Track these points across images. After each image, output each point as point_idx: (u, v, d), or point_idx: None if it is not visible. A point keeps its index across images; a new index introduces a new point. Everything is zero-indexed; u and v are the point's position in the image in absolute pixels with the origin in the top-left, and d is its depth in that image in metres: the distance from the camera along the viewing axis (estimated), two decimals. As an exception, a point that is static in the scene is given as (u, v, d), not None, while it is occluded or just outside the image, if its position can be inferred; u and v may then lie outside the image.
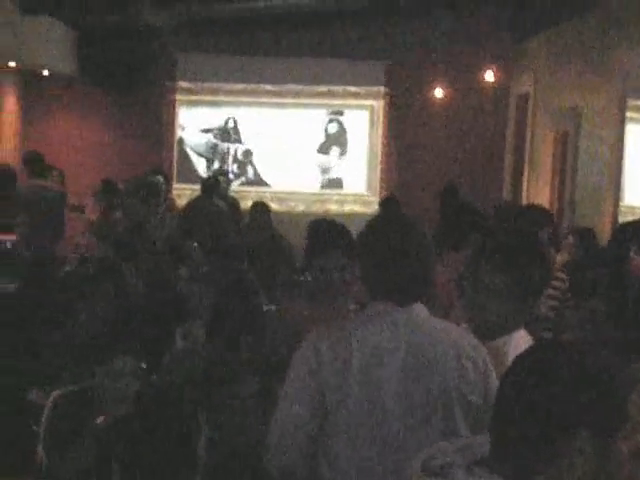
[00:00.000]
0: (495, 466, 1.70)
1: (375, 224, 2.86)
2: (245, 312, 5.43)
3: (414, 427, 2.61)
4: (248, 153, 13.19)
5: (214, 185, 9.91)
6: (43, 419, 3.83)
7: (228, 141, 13.18)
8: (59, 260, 7.88)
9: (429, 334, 2.67)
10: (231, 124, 13.15)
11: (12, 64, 11.41)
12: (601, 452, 1.66)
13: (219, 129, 13.15)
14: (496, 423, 1.74)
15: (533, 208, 6.02)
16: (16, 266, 7.02)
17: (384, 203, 10.08)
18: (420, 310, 2.73)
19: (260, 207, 8.64)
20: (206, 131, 13.17)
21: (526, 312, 3.02)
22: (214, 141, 13.16)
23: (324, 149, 13.11)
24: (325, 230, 4.11)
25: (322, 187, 13.12)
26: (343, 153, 13.10)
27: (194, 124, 13.15)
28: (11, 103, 12.52)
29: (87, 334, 4.62)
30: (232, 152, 13.18)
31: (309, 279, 4.50)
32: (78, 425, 3.62)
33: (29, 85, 12.77)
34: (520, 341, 2.95)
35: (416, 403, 2.61)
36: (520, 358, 1.79)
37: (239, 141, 13.17)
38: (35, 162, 9.36)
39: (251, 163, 13.19)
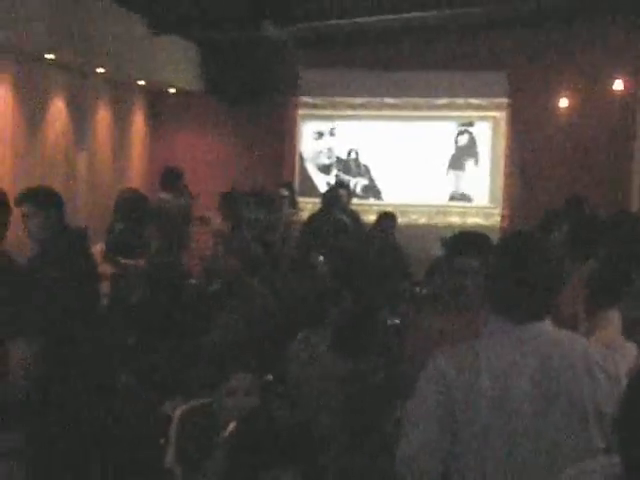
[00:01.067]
0: None
1: (505, 239, 2.84)
2: (369, 328, 5.44)
3: (547, 446, 2.56)
4: (368, 166, 13.21)
5: (334, 198, 9.94)
6: (171, 431, 3.90)
7: (349, 155, 13.23)
8: (184, 273, 8.03)
9: (557, 348, 2.63)
10: (352, 138, 13.20)
11: (141, 82, 11.77)
12: None
13: (340, 143, 13.22)
14: (626, 445, 1.65)
15: None
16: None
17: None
18: (546, 324, 2.69)
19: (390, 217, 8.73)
20: (327, 145, 13.26)
21: None
22: (335, 155, 13.23)
23: (454, 161, 13.00)
24: (461, 237, 4.08)
25: (451, 199, 13.00)
26: (474, 165, 12.97)
27: (315, 138, 13.26)
28: (139, 120, 12.90)
29: (215, 348, 4.69)
30: (353, 165, 13.23)
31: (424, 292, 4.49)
32: (207, 437, 3.67)
33: (156, 102, 13.14)
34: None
35: (549, 421, 2.56)
36: None
37: (359, 154, 13.20)
38: (164, 176, 9.64)
39: (371, 176, 13.20)
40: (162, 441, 3.96)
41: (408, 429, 2.68)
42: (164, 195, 9.48)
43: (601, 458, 1.79)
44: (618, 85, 11.68)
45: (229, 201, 9.62)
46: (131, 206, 7.43)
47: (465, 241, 3.97)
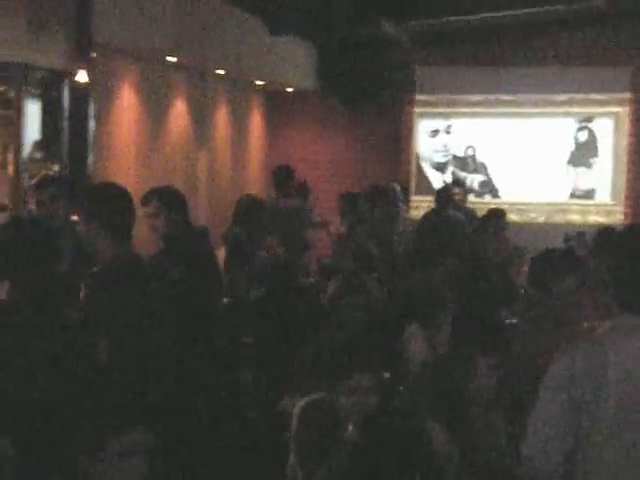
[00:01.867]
0: None
1: (628, 235, 2.80)
2: (484, 327, 5.39)
3: None
4: (485, 164, 13.06)
5: (448, 196, 9.86)
6: (292, 428, 3.92)
7: (465, 152, 13.12)
8: (302, 271, 8.11)
9: None
10: (468, 135, 13.07)
11: (259, 82, 11.95)
12: None
13: (456, 141, 13.12)
14: None
15: None
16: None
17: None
18: None
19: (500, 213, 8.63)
20: (443, 143, 13.17)
21: None
22: (451, 153, 13.14)
23: (574, 158, 12.75)
24: (561, 255, 4.05)
25: (571, 197, 12.75)
26: (594, 161, 12.69)
27: (431, 136, 13.19)
28: (257, 120, 13.10)
29: (332, 347, 4.72)
30: (469, 163, 13.11)
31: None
32: (327, 435, 3.68)
33: (273, 102, 13.32)
34: None
35: None
36: None
37: (476, 152, 13.07)
38: (278, 177, 9.73)
39: (488, 174, 13.05)
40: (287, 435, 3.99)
41: (533, 426, 2.68)
42: (275, 194, 9.62)
43: None
44: None
45: (348, 201, 9.66)
46: (248, 212, 7.57)
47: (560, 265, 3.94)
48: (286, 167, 9.71)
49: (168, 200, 5.36)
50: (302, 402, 3.94)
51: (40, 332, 3.03)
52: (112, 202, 4.02)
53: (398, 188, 10.93)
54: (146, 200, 5.35)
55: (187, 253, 5.25)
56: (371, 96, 12.67)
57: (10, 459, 2.51)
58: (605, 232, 6.98)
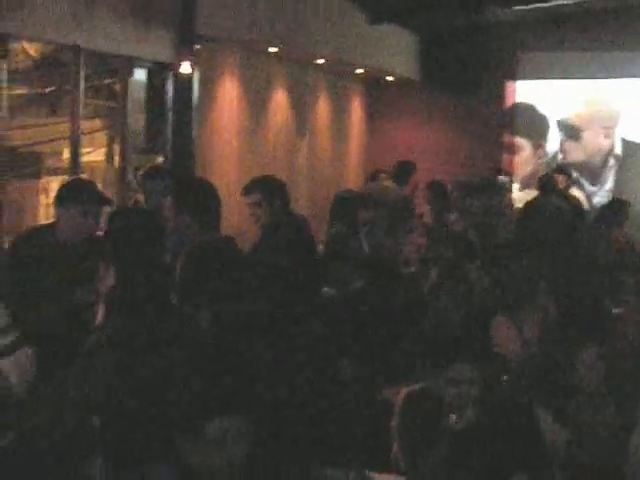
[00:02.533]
0: None
1: None
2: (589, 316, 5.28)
3: None
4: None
5: (549, 184, 9.66)
6: (395, 417, 3.92)
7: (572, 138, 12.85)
8: (403, 260, 8.08)
9: None
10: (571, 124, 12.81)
11: (359, 71, 11.93)
12: None
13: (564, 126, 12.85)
14: None
15: None
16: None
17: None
18: None
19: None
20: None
21: None
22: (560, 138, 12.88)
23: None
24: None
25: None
26: None
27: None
28: (357, 109, 13.09)
29: (435, 335, 4.69)
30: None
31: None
32: (430, 423, 3.65)
33: (373, 91, 13.28)
34: None
35: None
36: None
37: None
38: (397, 168, 9.90)
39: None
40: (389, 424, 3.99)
41: None
42: (388, 183, 9.68)
43: None
44: None
45: (435, 191, 9.61)
46: (345, 207, 7.60)
47: None
48: (410, 163, 9.76)
49: (269, 190, 5.41)
50: (406, 391, 3.94)
51: (153, 314, 3.13)
52: (200, 195, 4.21)
53: (504, 177, 10.84)
54: (248, 190, 5.41)
55: (287, 242, 5.27)
56: (473, 83, 12.50)
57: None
58: None
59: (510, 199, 10.79)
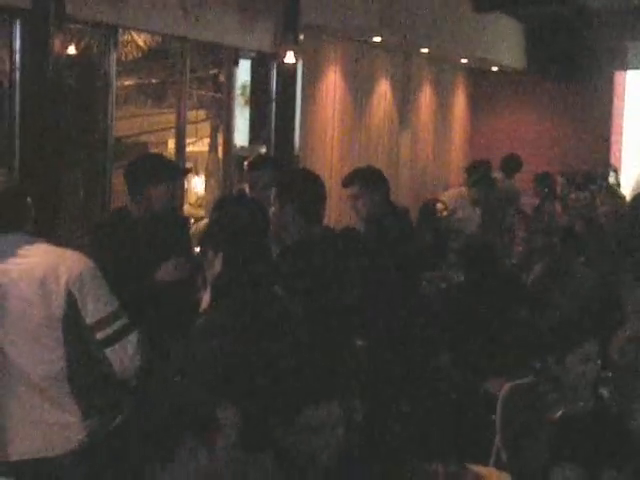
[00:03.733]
0: None
1: None
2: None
3: None
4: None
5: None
6: (498, 410, 3.90)
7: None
8: (501, 253, 7.98)
9: None
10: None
11: (464, 61, 11.79)
12: None
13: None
14: None
15: None
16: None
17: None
18: None
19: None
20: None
21: None
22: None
23: None
24: None
25: None
26: None
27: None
28: (460, 100, 12.95)
29: (559, 321, 4.60)
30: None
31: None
32: (533, 418, 3.62)
33: (477, 82, 13.11)
34: None
35: None
36: None
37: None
38: (504, 161, 9.88)
39: None
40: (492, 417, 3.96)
41: None
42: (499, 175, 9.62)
43: None
44: None
45: (542, 181, 9.45)
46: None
47: None
48: (518, 157, 9.99)
49: (370, 181, 5.34)
50: (509, 385, 3.92)
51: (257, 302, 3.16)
52: (304, 187, 4.20)
53: (611, 170, 10.62)
54: (348, 181, 5.36)
55: (388, 234, 5.23)
56: (580, 73, 12.20)
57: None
58: None
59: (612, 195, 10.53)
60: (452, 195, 9.05)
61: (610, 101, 12.58)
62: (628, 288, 6.00)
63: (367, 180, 5.34)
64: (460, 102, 12.94)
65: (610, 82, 12.52)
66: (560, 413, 3.47)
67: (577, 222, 8.70)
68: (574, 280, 6.88)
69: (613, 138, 12.67)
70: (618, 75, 12.55)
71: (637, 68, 12.44)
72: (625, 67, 12.50)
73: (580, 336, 3.68)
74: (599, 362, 3.70)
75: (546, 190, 9.66)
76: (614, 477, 3.10)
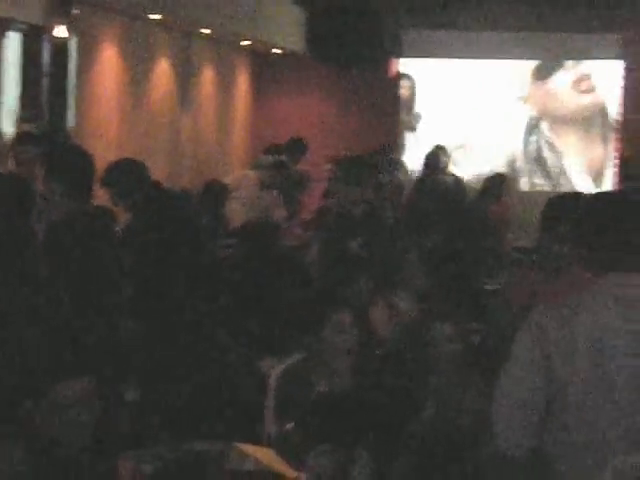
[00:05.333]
0: None
1: (597, 198, 2.80)
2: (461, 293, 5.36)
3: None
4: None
5: (437, 162, 9.76)
6: (270, 390, 3.92)
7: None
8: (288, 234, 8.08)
9: None
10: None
11: (246, 43, 11.78)
12: None
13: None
14: None
15: None
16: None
17: None
18: None
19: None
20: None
21: None
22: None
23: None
24: (558, 203, 4.04)
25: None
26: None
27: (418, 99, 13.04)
28: (243, 82, 12.95)
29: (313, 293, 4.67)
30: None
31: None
32: (302, 398, 3.66)
33: (260, 64, 13.15)
34: None
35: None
36: None
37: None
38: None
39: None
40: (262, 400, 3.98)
41: (504, 384, 2.66)
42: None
43: None
44: None
45: (352, 165, 9.64)
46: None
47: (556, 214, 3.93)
48: (302, 141, 10.25)
49: (121, 184, 5.26)
50: (278, 368, 3.96)
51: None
52: (73, 164, 4.09)
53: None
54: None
55: (155, 220, 5.18)
56: (359, 59, 12.48)
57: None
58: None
59: (403, 176, 10.90)
60: (236, 177, 9.06)
61: (386, 87, 12.95)
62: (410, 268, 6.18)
63: (117, 183, 5.24)
64: (243, 84, 12.94)
65: (387, 68, 12.89)
66: (316, 391, 3.53)
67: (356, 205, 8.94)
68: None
69: (391, 123, 13.06)
70: (394, 62, 12.95)
71: (411, 56, 12.88)
72: (400, 55, 12.91)
73: (331, 307, 3.74)
74: (356, 332, 3.76)
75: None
76: (365, 459, 3.15)
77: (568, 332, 2.57)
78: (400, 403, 3.61)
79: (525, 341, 2.64)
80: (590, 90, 12.59)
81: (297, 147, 10.40)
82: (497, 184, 8.64)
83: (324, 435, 3.21)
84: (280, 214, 8.47)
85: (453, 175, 10.56)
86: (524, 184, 12.90)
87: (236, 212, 8.10)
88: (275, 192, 8.57)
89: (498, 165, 12.33)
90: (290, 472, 3.15)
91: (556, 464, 2.61)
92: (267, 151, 10.13)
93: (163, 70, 10.08)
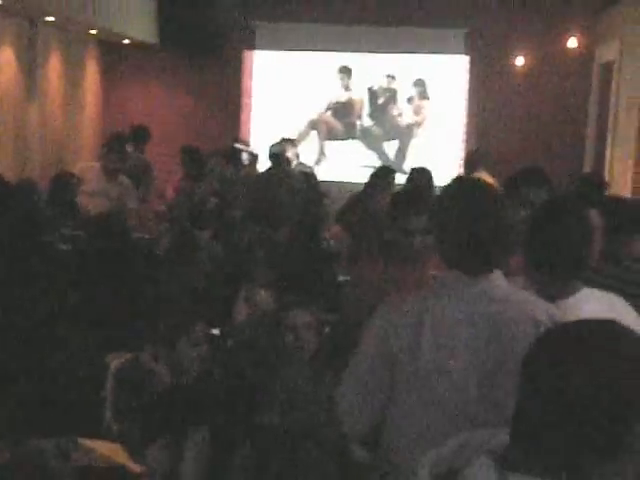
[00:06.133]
0: (532, 466, 1.53)
1: (448, 190, 2.79)
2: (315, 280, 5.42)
3: (483, 397, 2.54)
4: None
5: (282, 154, 9.76)
6: (108, 385, 3.88)
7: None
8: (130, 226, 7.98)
9: (502, 305, 2.57)
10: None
11: (93, 32, 11.53)
12: None
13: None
14: (529, 415, 1.56)
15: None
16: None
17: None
18: (496, 279, 2.64)
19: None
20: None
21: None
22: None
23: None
24: (409, 194, 4.12)
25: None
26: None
27: (270, 92, 13.06)
28: (92, 72, 12.67)
29: (166, 302, 4.65)
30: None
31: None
32: (140, 392, 3.64)
33: (110, 54, 12.90)
34: (590, 298, 2.95)
35: (486, 374, 2.53)
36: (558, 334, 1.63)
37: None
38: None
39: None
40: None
41: (345, 381, 2.70)
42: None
43: (488, 431, 1.69)
44: (572, 43, 11.66)
45: (191, 155, 9.54)
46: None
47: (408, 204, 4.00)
48: (145, 128, 10.24)
49: None
50: (117, 362, 3.93)
51: None
52: None
53: (241, 146, 10.95)
54: None
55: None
56: (212, 51, 12.42)
57: None
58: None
59: (254, 169, 10.89)
60: (85, 168, 8.86)
61: (239, 79, 12.95)
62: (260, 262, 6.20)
63: None
64: (92, 74, 12.66)
65: (240, 61, 12.88)
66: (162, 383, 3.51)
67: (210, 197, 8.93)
68: (201, 253, 7.04)
69: (243, 117, 13.06)
70: (247, 54, 12.94)
71: (265, 49, 12.89)
72: (254, 47, 12.91)
73: (188, 320, 3.72)
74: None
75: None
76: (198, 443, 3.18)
77: (413, 325, 2.59)
78: (248, 393, 3.64)
79: (371, 332, 2.67)
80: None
81: (141, 135, 10.27)
82: (385, 176, 8.69)
83: (165, 428, 3.21)
84: (132, 204, 8.36)
85: (303, 166, 10.67)
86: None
87: (85, 204, 7.93)
88: (126, 181, 8.44)
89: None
90: (134, 467, 3.13)
91: (394, 457, 2.65)
92: (110, 140, 9.96)
93: (7, 58, 9.76)
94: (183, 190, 9.05)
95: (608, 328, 1.60)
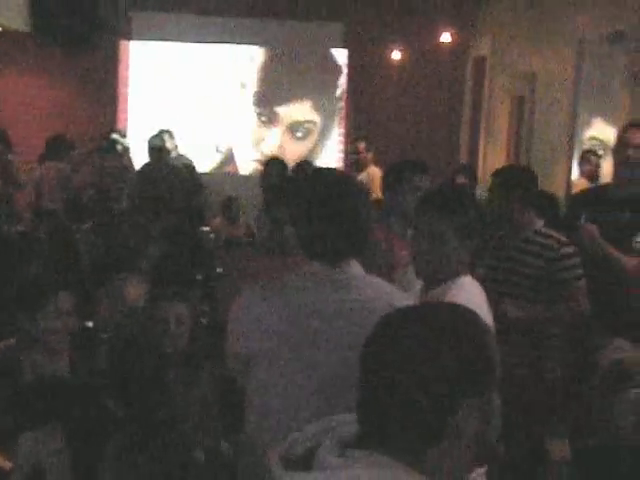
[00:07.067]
0: (370, 445, 1.56)
1: (305, 183, 2.82)
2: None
3: (342, 382, 2.54)
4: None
5: (162, 145, 9.67)
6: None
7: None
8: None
9: (359, 294, 2.62)
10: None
11: (-40, 20, 11.14)
12: (482, 409, 1.55)
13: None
14: (369, 398, 1.58)
15: None
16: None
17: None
18: (352, 268, 2.68)
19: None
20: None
21: (465, 256, 3.13)
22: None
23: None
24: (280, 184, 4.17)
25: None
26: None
27: (147, 82, 12.89)
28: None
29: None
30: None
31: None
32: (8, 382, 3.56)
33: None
34: (465, 286, 3.05)
35: (345, 360, 2.54)
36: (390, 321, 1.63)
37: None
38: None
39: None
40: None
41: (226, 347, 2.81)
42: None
43: (346, 416, 1.69)
44: (446, 38, 11.91)
45: (58, 145, 9.33)
46: None
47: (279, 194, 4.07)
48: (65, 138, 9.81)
49: None
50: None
51: None
52: None
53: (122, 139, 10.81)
54: None
55: None
56: (88, 40, 12.14)
57: None
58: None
59: (129, 160, 10.75)
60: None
61: (115, 69, 12.73)
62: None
63: None
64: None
65: (116, 50, 12.66)
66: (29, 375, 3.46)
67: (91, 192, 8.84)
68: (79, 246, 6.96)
69: (120, 106, 12.85)
70: (123, 44, 12.73)
71: (141, 39, 12.71)
72: (130, 37, 12.71)
73: (51, 289, 3.66)
74: (75, 317, 3.70)
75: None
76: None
77: (265, 311, 2.63)
78: (119, 386, 3.60)
79: (231, 316, 2.72)
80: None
81: (62, 144, 9.89)
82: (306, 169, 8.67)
83: (31, 421, 3.15)
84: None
85: (183, 158, 10.61)
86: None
87: None
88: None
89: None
90: (5, 463, 3.07)
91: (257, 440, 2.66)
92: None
93: None
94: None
95: (445, 312, 1.63)
